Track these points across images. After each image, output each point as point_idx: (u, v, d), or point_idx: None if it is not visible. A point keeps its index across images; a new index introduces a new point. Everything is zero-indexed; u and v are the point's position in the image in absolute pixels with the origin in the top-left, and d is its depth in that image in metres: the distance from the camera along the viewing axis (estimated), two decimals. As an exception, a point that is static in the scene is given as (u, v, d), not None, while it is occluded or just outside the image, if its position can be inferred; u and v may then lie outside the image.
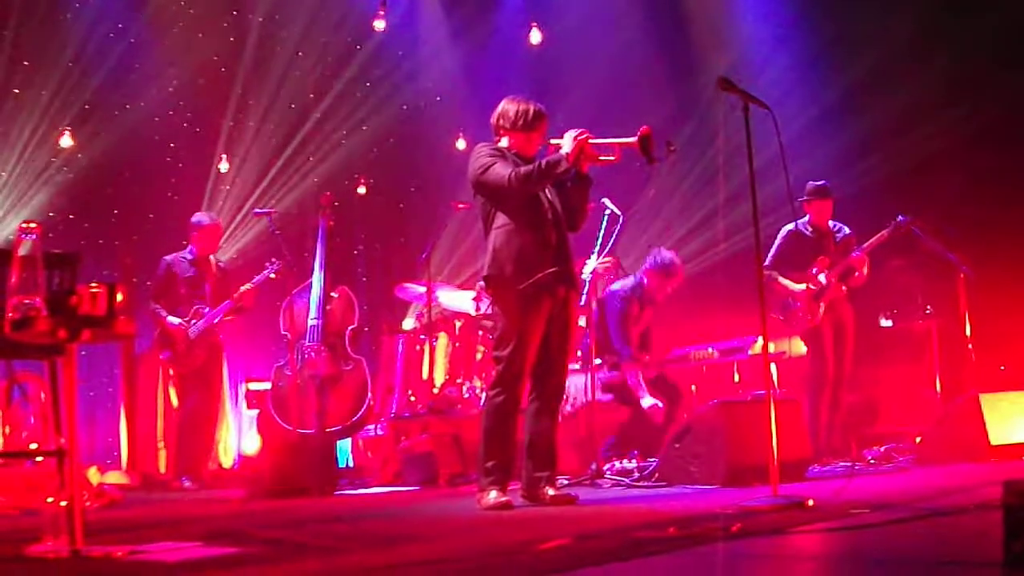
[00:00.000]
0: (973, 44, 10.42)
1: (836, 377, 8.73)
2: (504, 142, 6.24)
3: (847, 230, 8.93)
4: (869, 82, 11.12)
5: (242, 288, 9.16)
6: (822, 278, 8.65)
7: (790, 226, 8.75)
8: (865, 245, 8.71)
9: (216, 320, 9.15)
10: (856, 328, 8.88)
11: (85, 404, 9.72)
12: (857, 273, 8.69)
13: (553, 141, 6.13)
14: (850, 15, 11.27)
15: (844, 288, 8.76)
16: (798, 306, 8.74)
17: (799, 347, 9.38)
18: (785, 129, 5.46)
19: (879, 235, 8.69)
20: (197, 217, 9.46)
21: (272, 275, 9.15)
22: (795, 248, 8.78)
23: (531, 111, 6.21)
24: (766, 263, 8.66)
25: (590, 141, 6.00)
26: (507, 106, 6.27)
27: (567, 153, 5.94)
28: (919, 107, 10.80)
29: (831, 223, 8.92)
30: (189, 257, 9.29)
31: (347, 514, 6.25)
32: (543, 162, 5.98)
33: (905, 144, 10.85)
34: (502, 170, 5.98)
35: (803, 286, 8.69)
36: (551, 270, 5.98)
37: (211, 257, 9.43)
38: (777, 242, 8.87)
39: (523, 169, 5.96)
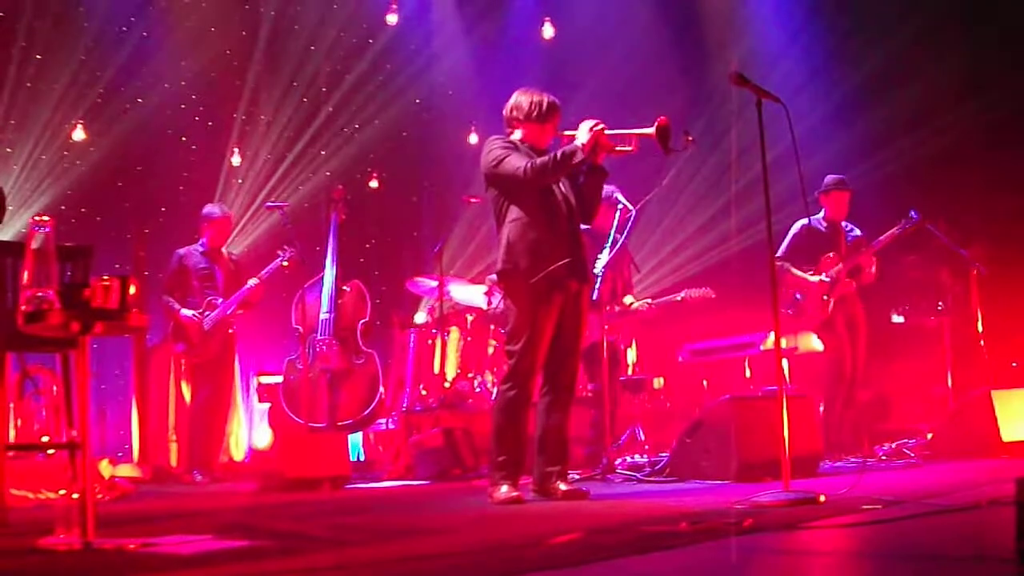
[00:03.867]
0: (989, 37, 10.39)
1: (851, 373, 8.71)
2: (517, 134, 6.22)
3: (858, 232, 8.91)
4: (883, 76, 11.09)
5: (249, 282, 9.16)
6: (825, 277, 8.62)
7: (803, 221, 8.72)
8: (873, 243, 8.69)
9: (229, 311, 9.15)
10: (868, 324, 8.87)
11: (97, 397, 9.74)
12: (865, 271, 8.68)
13: (567, 132, 6.12)
14: (864, 8, 11.24)
15: (854, 285, 8.73)
16: (807, 301, 8.71)
17: (810, 343, 9.36)
18: (799, 124, 5.44)
19: (889, 233, 8.66)
20: (208, 209, 9.47)
21: (284, 262, 9.14)
22: (807, 242, 8.75)
23: (545, 102, 6.19)
24: (778, 254, 8.64)
25: (606, 132, 5.99)
26: (520, 98, 6.25)
27: (583, 144, 5.92)
28: (933, 102, 10.77)
29: (844, 223, 8.89)
30: (201, 250, 9.30)
31: (358, 508, 6.27)
32: (558, 153, 5.96)
33: (919, 140, 10.82)
34: (517, 161, 5.97)
35: (818, 278, 8.66)
36: (564, 261, 5.97)
37: (223, 249, 9.44)
38: (790, 235, 8.84)
39: (538, 160, 5.95)
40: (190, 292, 9.21)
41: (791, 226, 8.88)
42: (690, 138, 6.17)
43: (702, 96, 11.75)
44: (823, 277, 8.66)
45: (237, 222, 10.53)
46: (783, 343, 5.88)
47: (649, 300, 8.70)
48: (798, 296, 8.76)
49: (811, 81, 11.13)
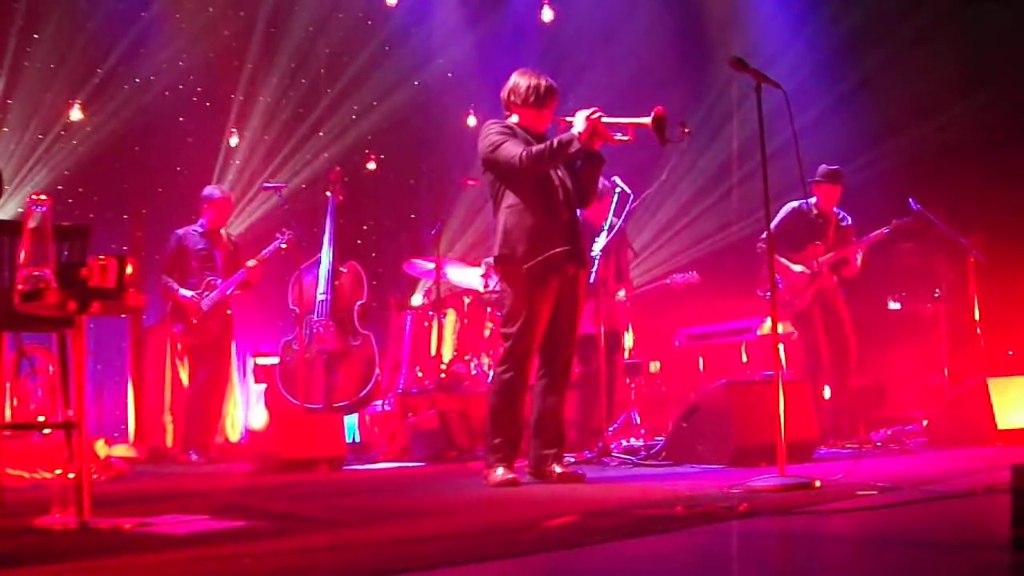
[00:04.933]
0: (989, 35, 10.39)
1: (835, 362, 8.67)
2: (514, 118, 6.20)
3: (849, 220, 8.88)
4: (884, 72, 11.09)
5: (248, 263, 9.14)
6: (807, 269, 8.60)
7: (795, 203, 8.71)
8: (864, 239, 8.67)
9: (228, 292, 9.14)
10: (850, 312, 8.81)
11: (93, 377, 9.73)
12: (850, 264, 8.65)
13: (565, 119, 6.10)
14: (866, 3, 11.23)
15: (836, 278, 8.71)
16: (786, 288, 8.67)
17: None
18: (800, 114, 5.43)
19: (879, 231, 8.66)
20: (208, 190, 9.45)
21: (283, 245, 9.14)
22: (796, 226, 8.71)
23: (543, 86, 6.16)
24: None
25: (603, 120, 5.96)
26: (518, 80, 6.21)
27: (579, 132, 5.89)
28: (934, 94, 10.77)
29: (836, 210, 8.86)
30: (200, 230, 9.27)
31: (354, 489, 6.27)
32: (555, 141, 5.93)
33: (919, 135, 10.82)
34: (513, 149, 5.94)
35: (800, 268, 8.63)
36: (561, 249, 5.97)
37: (222, 230, 9.42)
38: (779, 216, 8.77)
39: (535, 148, 5.93)
40: (189, 273, 9.19)
41: (781, 207, 8.85)
42: (687, 130, 6.15)
43: (703, 86, 11.73)
44: (805, 269, 8.63)
45: (236, 203, 10.50)
46: (779, 328, 5.88)
47: (623, 292, 8.67)
48: (778, 279, 8.75)
49: (813, 74, 11.10)
